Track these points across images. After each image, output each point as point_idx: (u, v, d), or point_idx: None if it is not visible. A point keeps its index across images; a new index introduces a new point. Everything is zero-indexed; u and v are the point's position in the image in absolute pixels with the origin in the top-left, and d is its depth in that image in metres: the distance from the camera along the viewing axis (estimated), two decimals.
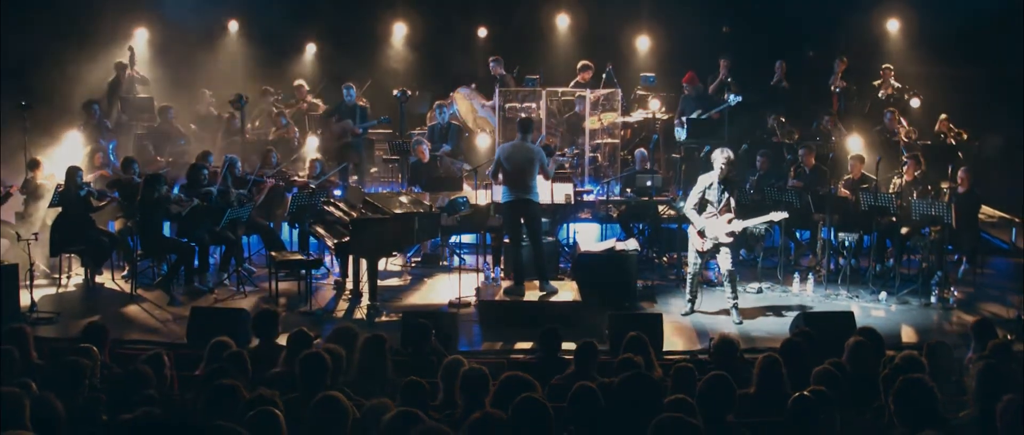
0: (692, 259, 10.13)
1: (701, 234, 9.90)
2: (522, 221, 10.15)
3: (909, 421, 4.71)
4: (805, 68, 15.98)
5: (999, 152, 14.21)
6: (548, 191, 10.86)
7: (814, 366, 5.91)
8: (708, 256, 10.11)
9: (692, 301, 10.24)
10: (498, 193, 10.81)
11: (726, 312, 10.13)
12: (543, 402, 4.51)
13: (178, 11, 15.22)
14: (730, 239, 9.88)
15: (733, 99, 12.96)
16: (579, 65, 14.75)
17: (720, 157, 9.78)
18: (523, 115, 12.70)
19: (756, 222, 10.27)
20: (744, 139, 14.24)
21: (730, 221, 9.83)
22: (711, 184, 9.83)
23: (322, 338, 7.43)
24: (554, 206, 11.31)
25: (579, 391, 4.81)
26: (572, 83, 14.74)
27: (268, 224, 11.97)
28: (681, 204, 11.51)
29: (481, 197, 11.50)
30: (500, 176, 10.15)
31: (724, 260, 9.96)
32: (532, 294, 10.25)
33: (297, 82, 15.26)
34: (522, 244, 10.24)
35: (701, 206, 9.90)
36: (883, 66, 14.79)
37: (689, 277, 10.22)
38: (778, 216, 10.20)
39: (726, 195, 9.82)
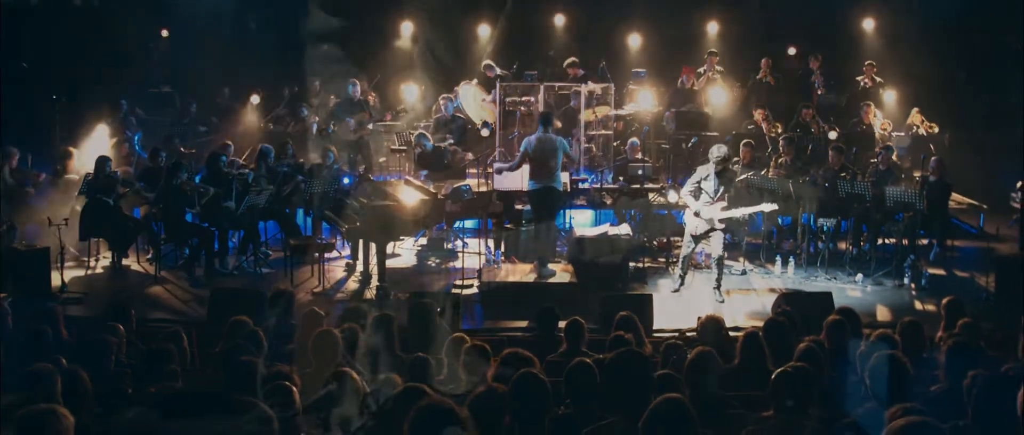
0: (686, 241, 10.14)
1: (697, 215, 9.90)
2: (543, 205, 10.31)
3: (883, 395, 4.71)
4: (787, 64, 15.95)
5: (985, 146, 14.15)
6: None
7: (795, 343, 5.90)
8: (702, 239, 10.09)
9: (682, 278, 10.25)
10: (502, 182, 10.88)
11: (712, 291, 10.16)
12: (541, 377, 4.51)
13: (200, 12, 15.17)
14: (723, 225, 9.90)
15: (768, 207, 11.48)
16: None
17: (717, 153, 9.80)
18: (542, 109, 12.72)
19: (748, 212, 10.23)
20: (729, 131, 14.21)
21: (724, 208, 9.83)
22: (707, 175, 9.84)
23: (333, 317, 7.43)
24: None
25: (576, 367, 4.80)
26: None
27: (284, 210, 11.94)
28: (672, 192, 11.54)
29: (483, 185, 11.50)
30: (528, 167, 10.27)
31: (715, 245, 9.97)
32: (531, 275, 10.28)
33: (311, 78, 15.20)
34: (527, 226, 10.33)
35: (696, 194, 9.91)
36: (866, 62, 14.78)
37: (681, 257, 10.24)
38: (768, 208, 10.23)
39: (721, 187, 9.81)
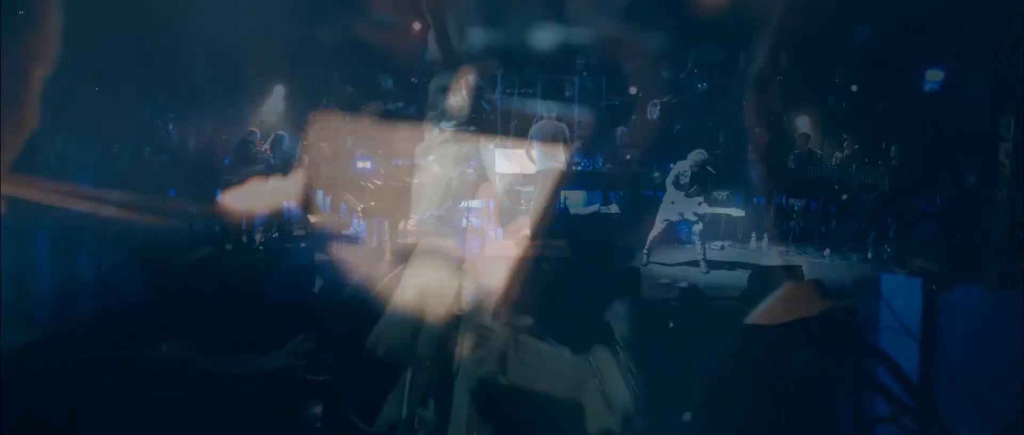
0: (659, 221, 10.19)
1: (673, 203, 10.03)
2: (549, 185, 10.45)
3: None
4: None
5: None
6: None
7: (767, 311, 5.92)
8: (673, 223, 10.22)
9: (647, 254, 10.30)
10: (503, 165, 10.89)
11: (694, 264, 10.20)
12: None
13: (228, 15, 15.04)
14: (696, 219, 10.06)
15: (701, 86, 12.89)
16: None
17: (697, 157, 10.00)
18: (540, 99, 12.82)
19: (720, 212, 10.50)
20: (708, 120, 14.17)
21: (700, 204, 10.00)
22: (685, 171, 10.02)
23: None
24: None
25: None
26: None
27: (305, 190, 11.92)
28: (656, 174, 11.61)
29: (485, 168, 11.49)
30: (533, 152, 10.23)
31: (697, 224, 10.11)
32: (529, 251, 10.29)
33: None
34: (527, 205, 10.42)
35: (675, 184, 10.09)
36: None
37: (650, 237, 10.26)
38: (736, 213, 10.63)
39: (694, 186, 9.95)
